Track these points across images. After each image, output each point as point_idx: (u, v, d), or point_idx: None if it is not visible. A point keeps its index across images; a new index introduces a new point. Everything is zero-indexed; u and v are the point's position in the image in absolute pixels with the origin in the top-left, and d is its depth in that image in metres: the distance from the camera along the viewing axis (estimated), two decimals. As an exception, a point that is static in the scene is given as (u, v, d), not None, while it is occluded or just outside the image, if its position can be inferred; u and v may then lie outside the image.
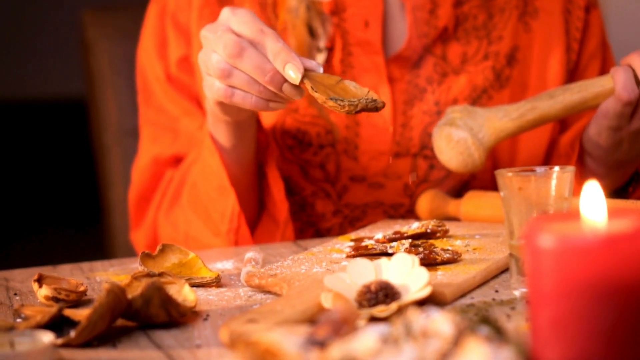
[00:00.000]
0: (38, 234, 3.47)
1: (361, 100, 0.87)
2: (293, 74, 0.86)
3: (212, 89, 0.91)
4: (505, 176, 0.80)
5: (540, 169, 0.81)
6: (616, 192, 1.11)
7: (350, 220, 1.13)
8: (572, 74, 1.15)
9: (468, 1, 1.12)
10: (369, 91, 0.88)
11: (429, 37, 1.11)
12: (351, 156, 1.11)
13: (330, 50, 1.10)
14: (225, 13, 0.91)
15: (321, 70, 0.89)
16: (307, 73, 0.87)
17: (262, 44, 0.88)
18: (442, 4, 1.11)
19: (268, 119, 1.11)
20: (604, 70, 1.17)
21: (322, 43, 1.09)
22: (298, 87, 0.88)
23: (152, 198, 1.16)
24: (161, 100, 1.15)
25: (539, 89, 1.13)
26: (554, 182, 0.79)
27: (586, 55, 1.16)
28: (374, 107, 0.87)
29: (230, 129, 1.01)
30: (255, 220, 1.09)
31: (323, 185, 1.12)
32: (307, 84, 0.87)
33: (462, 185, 1.13)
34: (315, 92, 0.86)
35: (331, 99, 0.86)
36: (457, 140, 1.01)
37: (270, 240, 1.07)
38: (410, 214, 1.12)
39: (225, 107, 0.95)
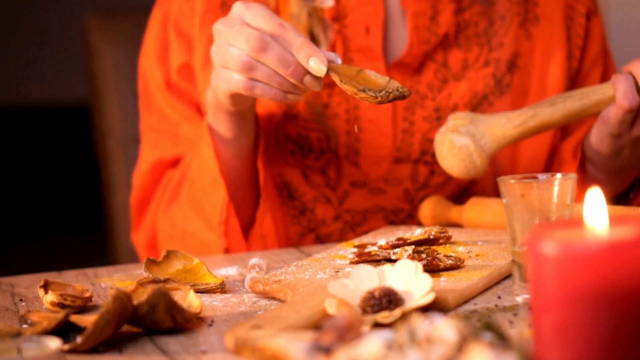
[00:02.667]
0: (41, 238, 3.47)
1: (392, 90, 0.89)
2: (317, 67, 0.89)
3: (230, 81, 0.93)
4: (507, 183, 0.81)
5: (542, 176, 0.82)
6: (617, 198, 1.12)
7: (350, 225, 1.13)
8: (574, 81, 1.16)
9: (469, 8, 1.13)
10: (389, 79, 0.90)
11: (429, 44, 1.11)
12: (352, 162, 1.12)
13: (331, 55, 1.11)
14: (239, 7, 0.92)
15: (339, 60, 0.91)
16: (329, 65, 0.89)
17: (284, 38, 0.90)
18: (443, 11, 1.12)
19: (264, 108, 1.11)
20: (605, 77, 1.17)
21: (324, 49, 1.10)
22: (318, 79, 0.90)
23: (152, 199, 1.17)
24: (162, 106, 1.15)
25: (539, 95, 1.14)
26: (556, 189, 0.80)
27: (587, 62, 1.17)
28: (402, 96, 0.89)
29: (233, 119, 1.03)
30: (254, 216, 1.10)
31: (324, 190, 1.12)
32: (335, 77, 0.89)
33: (462, 190, 1.14)
34: (345, 84, 0.88)
35: (361, 90, 0.88)
36: (459, 147, 1.02)
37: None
38: (410, 219, 1.13)
39: (237, 98, 0.97)
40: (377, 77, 0.90)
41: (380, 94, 0.88)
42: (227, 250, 1.07)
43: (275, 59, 0.90)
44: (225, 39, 0.92)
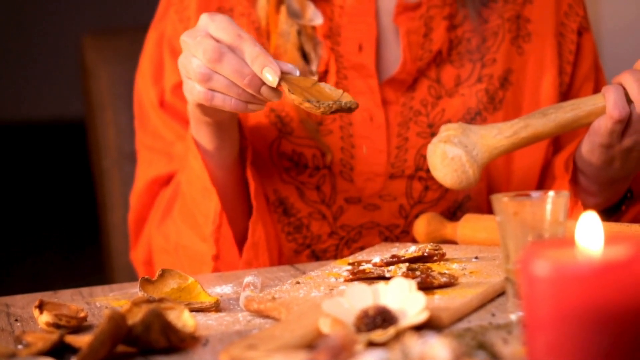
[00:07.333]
0: (37, 256, 3.47)
1: (336, 102, 0.91)
2: (270, 77, 0.91)
3: (193, 92, 0.95)
4: (500, 201, 0.81)
5: (535, 194, 0.82)
6: (609, 210, 1.12)
7: (346, 241, 1.14)
8: (565, 96, 1.17)
9: (462, 25, 1.14)
10: (343, 92, 0.93)
11: (423, 61, 1.12)
12: (347, 178, 1.12)
13: (325, 73, 1.12)
14: (204, 19, 0.94)
15: (297, 73, 0.93)
16: (284, 76, 0.92)
17: (240, 49, 0.92)
18: (435, 28, 1.12)
19: (253, 119, 1.12)
20: (596, 92, 1.18)
21: (315, 67, 1.11)
22: (276, 90, 0.92)
23: (148, 217, 1.18)
24: (156, 126, 1.16)
25: (532, 110, 1.14)
26: (549, 207, 0.80)
27: (579, 78, 1.17)
28: (348, 108, 0.92)
29: (212, 130, 1.03)
30: (245, 229, 1.10)
31: (319, 206, 1.13)
32: (284, 87, 0.92)
33: (456, 206, 1.14)
34: (292, 94, 0.91)
35: (307, 100, 0.90)
36: (451, 158, 1.02)
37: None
38: (405, 234, 1.13)
39: (205, 108, 0.99)
40: (332, 90, 0.93)
41: (323, 105, 0.90)
42: (216, 258, 1.07)
43: (231, 69, 0.91)
44: (189, 50, 0.94)
